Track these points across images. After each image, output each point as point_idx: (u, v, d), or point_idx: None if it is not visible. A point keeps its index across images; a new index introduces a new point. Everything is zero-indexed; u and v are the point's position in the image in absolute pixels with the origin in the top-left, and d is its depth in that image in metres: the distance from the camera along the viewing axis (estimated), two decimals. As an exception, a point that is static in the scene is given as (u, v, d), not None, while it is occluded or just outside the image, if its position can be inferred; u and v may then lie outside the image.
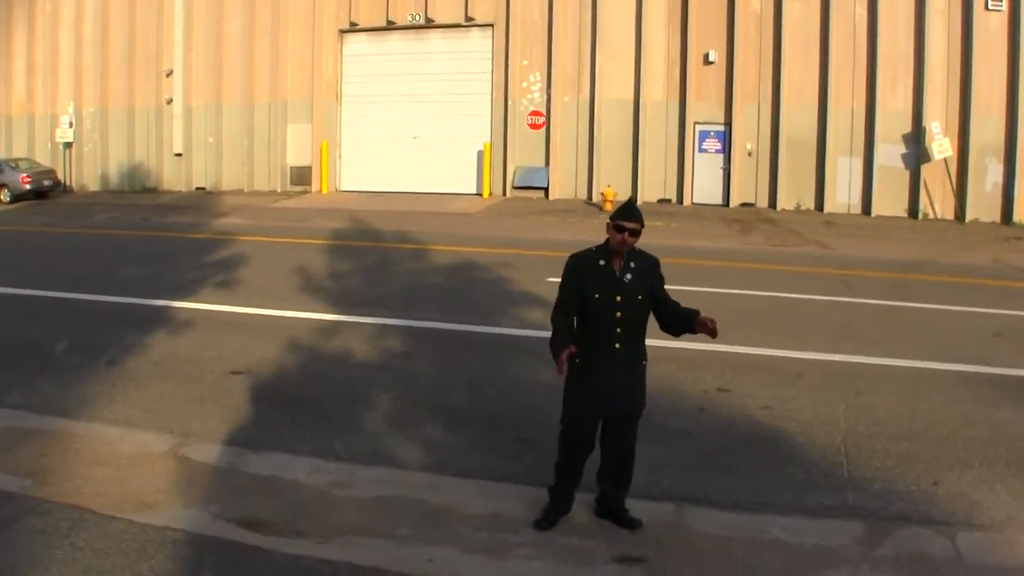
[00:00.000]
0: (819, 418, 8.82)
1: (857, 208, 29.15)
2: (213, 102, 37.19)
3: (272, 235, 23.59)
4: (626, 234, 6.11)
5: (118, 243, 23.20)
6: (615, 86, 31.27)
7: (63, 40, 39.89)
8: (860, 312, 14.11)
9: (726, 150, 30.42)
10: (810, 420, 8.76)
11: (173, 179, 38.33)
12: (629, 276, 6.20)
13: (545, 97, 32.45)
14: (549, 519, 6.41)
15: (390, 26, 34.04)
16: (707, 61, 30.04)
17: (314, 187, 35.75)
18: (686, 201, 30.72)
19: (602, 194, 29.91)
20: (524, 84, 32.63)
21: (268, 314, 13.64)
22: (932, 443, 8.19)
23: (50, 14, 40.01)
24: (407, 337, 12.13)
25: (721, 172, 30.52)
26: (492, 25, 32.75)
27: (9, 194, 35.82)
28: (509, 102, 32.79)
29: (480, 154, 33.21)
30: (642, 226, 6.15)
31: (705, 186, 30.74)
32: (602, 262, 6.24)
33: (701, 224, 26.03)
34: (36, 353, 11.33)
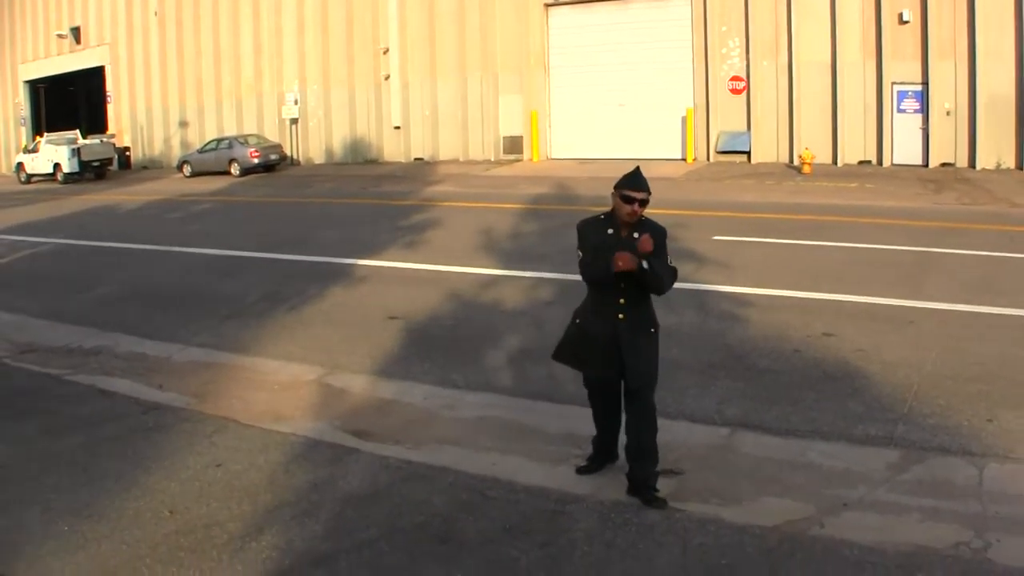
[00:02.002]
0: (906, 360, 9.10)
1: (1063, 166, 27.84)
2: (428, 76, 39.18)
3: (474, 201, 24.96)
4: (636, 205, 5.96)
5: (327, 210, 25.25)
6: (812, 49, 30.90)
7: (286, 23, 43.01)
8: (1009, 266, 13.90)
9: (924, 110, 29.63)
10: (896, 362, 9.06)
11: (393, 151, 40.64)
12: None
13: (744, 62, 32.44)
14: (592, 466, 6.62)
15: (592, -2, 34.92)
16: (902, 20, 29.27)
17: (526, 155, 37.06)
18: (886, 162, 30.13)
19: (800, 157, 29.78)
20: (724, 50, 32.73)
21: (438, 269, 14.92)
22: (1008, 386, 8.31)
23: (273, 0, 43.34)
24: (557, 289, 13.04)
25: (920, 132, 29.76)
26: (690, -7, 33.09)
27: (239, 167, 39.14)
28: (710, 68, 32.99)
29: (683, 120, 33.62)
30: (649, 195, 6.02)
31: (904, 147, 30.06)
32: (610, 231, 6.11)
33: (896, 184, 25.51)
34: (229, 303, 13.12)
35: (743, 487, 6.39)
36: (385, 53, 39.84)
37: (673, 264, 6.20)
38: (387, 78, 40.02)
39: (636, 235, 5.98)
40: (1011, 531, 5.65)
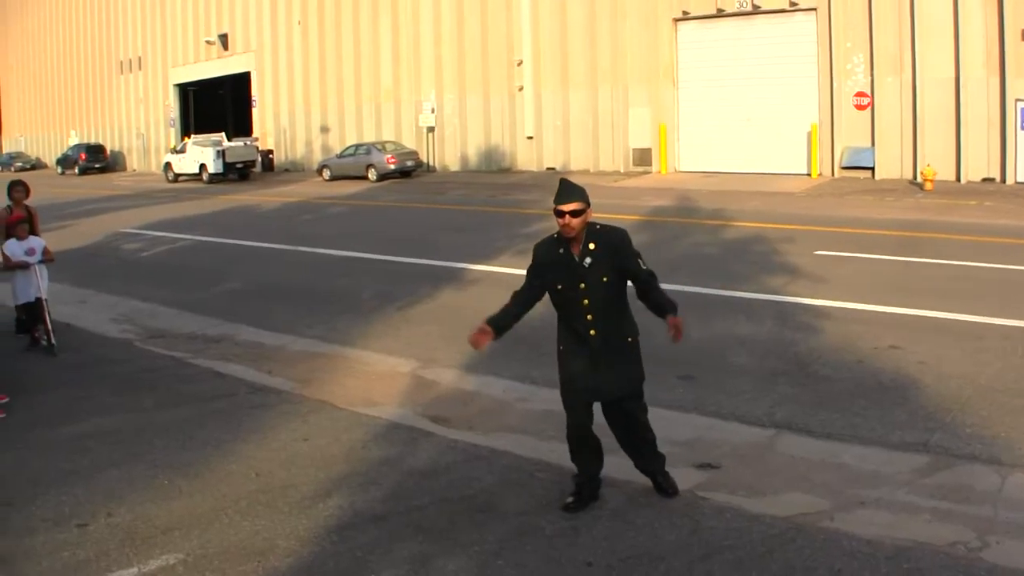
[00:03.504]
0: (963, 374, 9.34)
1: None
2: (559, 87, 40.11)
3: (596, 211, 25.27)
4: (567, 217, 5.82)
5: (454, 216, 26.33)
6: (935, 65, 30.67)
7: (423, 33, 44.72)
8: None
9: (1050, 127, 29.12)
10: (952, 375, 9.31)
11: (526, 160, 41.73)
12: (589, 260, 5.95)
13: (869, 78, 32.34)
14: (577, 504, 6.33)
15: (719, 13, 35.21)
16: (1025, 36, 28.91)
17: (654, 167, 37.57)
18: (1010, 180, 29.59)
19: (922, 173, 29.50)
20: (848, 66, 32.68)
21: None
22: (1057, 402, 8.48)
23: (411, 10, 45.03)
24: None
25: (1046, 151, 29.27)
26: (815, 9, 33.00)
27: (376, 173, 40.88)
28: (834, 84, 32.98)
29: (808, 135, 33.67)
30: (585, 204, 5.87)
31: (1030, 165, 29.67)
32: (561, 250, 5.99)
33: (1017, 203, 24.88)
34: (344, 299, 14.27)
35: (771, 482, 6.88)
36: (519, 65, 40.96)
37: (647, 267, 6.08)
38: (520, 89, 41.12)
39: (592, 246, 5.93)
40: (1015, 535, 5.87)
